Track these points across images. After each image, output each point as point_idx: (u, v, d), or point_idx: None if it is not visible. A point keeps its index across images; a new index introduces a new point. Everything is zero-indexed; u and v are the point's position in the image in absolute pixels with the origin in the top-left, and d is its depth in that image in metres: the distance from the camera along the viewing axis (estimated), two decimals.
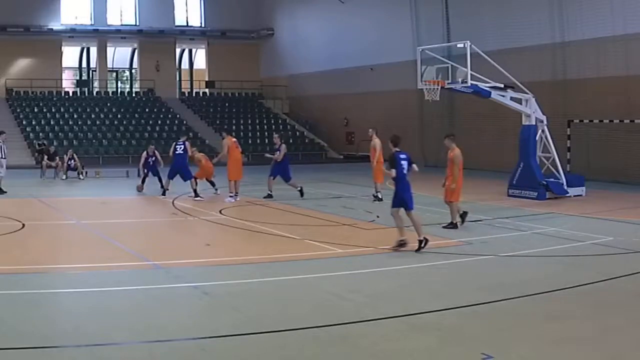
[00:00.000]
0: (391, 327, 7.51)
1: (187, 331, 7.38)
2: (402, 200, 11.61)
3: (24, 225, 13.98)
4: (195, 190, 19.08)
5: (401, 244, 11.52)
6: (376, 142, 18.72)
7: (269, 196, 19.05)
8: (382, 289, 9.27)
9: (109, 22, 43.00)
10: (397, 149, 11.85)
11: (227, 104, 43.54)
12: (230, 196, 18.77)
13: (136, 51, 45.01)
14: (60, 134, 35.62)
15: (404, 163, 11.68)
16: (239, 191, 19.04)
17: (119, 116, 39.00)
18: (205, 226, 14.94)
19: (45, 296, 8.81)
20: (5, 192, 19.86)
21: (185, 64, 47.48)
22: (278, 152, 19.29)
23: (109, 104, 40.37)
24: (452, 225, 13.99)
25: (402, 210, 11.66)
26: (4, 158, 20.41)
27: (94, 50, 44.11)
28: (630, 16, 23.58)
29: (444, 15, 31.16)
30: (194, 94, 46.07)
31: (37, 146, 31.44)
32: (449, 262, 10.91)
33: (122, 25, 43.36)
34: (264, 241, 12.83)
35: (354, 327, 7.51)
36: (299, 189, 19.35)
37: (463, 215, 14.27)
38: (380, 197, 18.32)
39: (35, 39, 40.40)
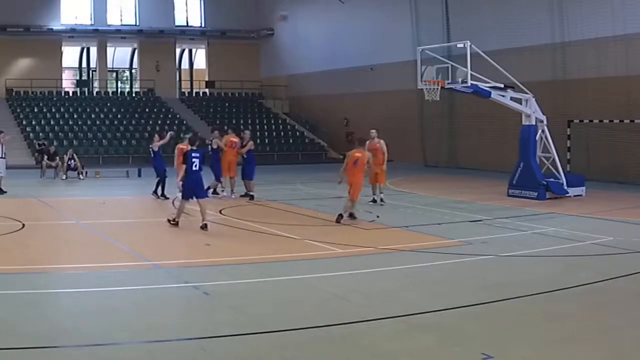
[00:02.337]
0: (391, 327, 7.50)
1: (187, 331, 7.38)
2: (192, 191, 13.81)
3: (24, 225, 13.97)
4: (216, 188, 19.21)
5: (174, 223, 13.85)
6: (382, 143, 18.44)
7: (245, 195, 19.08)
8: (382, 289, 9.26)
9: (109, 22, 42.98)
10: (193, 148, 14.09)
11: (227, 104, 43.52)
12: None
13: (136, 51, 45.00)
14: (60, 134, 35.58)
15: (196, 160, 13.71)
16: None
17: (119, 116, 38.98)
18: None
19: (45, 296, 8.80)
20: (5, 192, 19.85)
21: (185, 64, 47.46)
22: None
23: (109, 104, 40.34)
24: (341, 218, 14.81)
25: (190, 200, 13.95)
26: (4, 158, 20.40)
27: (94, 50, 44.08)
28: (630, 16, 23.58)
29: (444, 15, 31.14)
30: (194, 94, 46.05)
31: (37, 146, 31.41)
32: (449, 262, 10.89)
33: (122, 25, 43.34)
34: (264, 241, 12.82)
35: (354, 327, 7.50)
36: (248, 193, 19.01)
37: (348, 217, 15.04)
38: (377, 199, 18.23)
39: (35, 39, 40.39)
